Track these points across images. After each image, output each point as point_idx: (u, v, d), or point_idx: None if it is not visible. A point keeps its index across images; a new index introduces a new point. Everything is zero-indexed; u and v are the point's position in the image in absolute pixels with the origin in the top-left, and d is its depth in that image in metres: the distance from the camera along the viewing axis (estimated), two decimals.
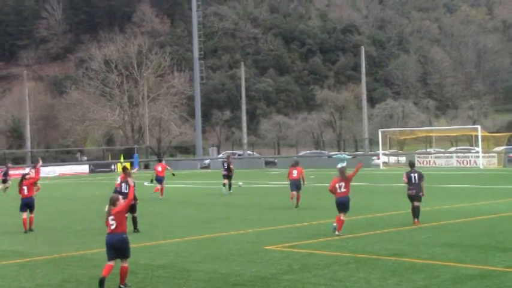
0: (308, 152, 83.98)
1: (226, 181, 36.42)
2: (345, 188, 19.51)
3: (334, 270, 13.89)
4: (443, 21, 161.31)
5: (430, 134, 79.77)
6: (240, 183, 40.27)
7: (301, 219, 23.32)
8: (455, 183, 39.38)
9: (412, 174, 21.09)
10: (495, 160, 61.24)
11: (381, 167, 64.08)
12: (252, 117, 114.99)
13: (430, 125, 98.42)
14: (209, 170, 73.24)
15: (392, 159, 71.53)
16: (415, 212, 21.07)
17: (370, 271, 13.71)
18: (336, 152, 60.27)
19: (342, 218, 19.38)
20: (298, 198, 27.81)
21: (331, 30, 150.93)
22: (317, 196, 32.60)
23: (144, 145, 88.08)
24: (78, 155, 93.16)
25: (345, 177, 19.65)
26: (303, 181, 28.18)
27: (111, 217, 12.85)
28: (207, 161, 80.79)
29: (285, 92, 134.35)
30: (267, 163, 76.45)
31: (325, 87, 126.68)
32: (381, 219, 22.88)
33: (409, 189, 21.10)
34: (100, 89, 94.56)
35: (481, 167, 58.18)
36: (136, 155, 79.44)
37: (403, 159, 69.95)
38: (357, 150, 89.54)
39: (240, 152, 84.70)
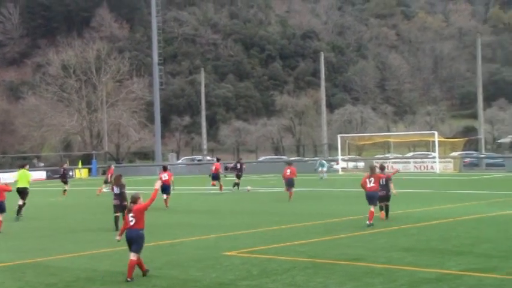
0: (268, 157, 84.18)
1: (237, 180, 41.28)
2: (374, 183, 22.32)
3: (292, 275, 13.97)
4: (401, 27, 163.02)
5: (388, 140, 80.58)
6: (248, 188, 40.93)
7: (260, 224, 23.37)
8: (413, 188, 39.80)
9: (383, 179, 23.43)
10: (451, 165, 62.06)
11: (340, 172, 64.47)
12: (212, 122, 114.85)
13: (388, 131, 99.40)
14: None
15: (351, 164, 72.03)
16: (384, 208, 23.54)
17: (328, 276, 13.82)
18: (317, 158, 61.61)
19: (371, 209, 21.83)
20: (290, 195, 32.53)
21: (291, 36, 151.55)
22: (276, 202, 32.72)
23: (102, 151, 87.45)
24: (35, 161, 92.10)
25: (374, 174, 22.57)
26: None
27: (131, 214, 13.97)
28: None
29: (244, 97, 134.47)
30: (226, 169, 76.36)
31: (285, 92, 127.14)
32: (340, 224, 23.04)
33: (380, 191, 22.91)
34: (58, 94, 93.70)
35: (438, 171, 58.88)
36: (94, 161, 78.81)
37: (361, 164, 70.48)
38: (316, 156, 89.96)
39: (200, 158, 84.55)
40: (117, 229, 21.12)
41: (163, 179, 31.20)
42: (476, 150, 73.59)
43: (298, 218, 24.91)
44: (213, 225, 23.90)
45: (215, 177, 40.63)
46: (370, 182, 22.35)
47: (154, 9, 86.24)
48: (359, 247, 17.60)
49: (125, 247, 14.53)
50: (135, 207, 14.05)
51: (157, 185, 14.84)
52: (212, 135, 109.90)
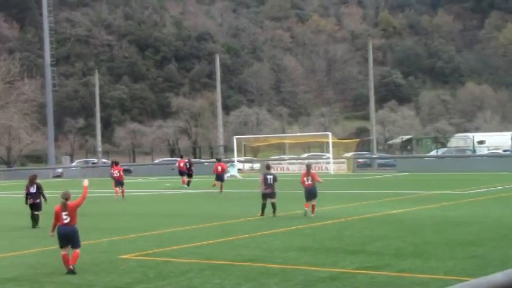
0: (164, 159, 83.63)
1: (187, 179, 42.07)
2: (311, 181, 24.75)
3: (189, 278, 13.93)
4: (295, 30, 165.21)
5: (284, 141, 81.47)
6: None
7: (156, 227, 23.20)
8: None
9: (268, 176, 25.14)
10: (345, 166, 63.32)
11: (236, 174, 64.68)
12: (107, 125, 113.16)
13: (284, 132, 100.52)
14: (62, 179, 71.39)
15: (247, 166, 72.45)
16: (272, 206, 24.93)
17: (225, 277, 13.84)
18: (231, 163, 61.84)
19: (313, 203, 24.53)
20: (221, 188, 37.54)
21: (186, 38, 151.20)
22: (172, 204, 32.56)
23: None
24: None
25: (310, 172, 25.02)
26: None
27: (66, 212, 14.85)
28: (60, 170, 78.73)
29: (140, 99, 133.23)
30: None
31: (181, 94, 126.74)
32: (236, 225, 23.14)
33: (265, 189, 24.87)
34: None
35: (332, 172, 59.92)
36: None
37: (257, 165, 70.98)
38: (212, 157, 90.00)
39: (95, 160, 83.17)
40: (34, 226, 24.01)
41: (115, 175, 36.17)
42: (368, 150, 75.30)
43: (195, 220, 24.87)
44: (108, 228, 23.55)
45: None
46: (307, 179, 24.84)
47: (45, 9, 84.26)
48: (255, 248, 17.71)
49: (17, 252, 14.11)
50: (71, 204, 14.95)
51: (86, 183, 15.46)
52: (107, 138, 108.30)
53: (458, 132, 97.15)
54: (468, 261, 14.71)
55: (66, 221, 14.89)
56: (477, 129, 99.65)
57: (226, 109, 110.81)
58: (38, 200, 24.54)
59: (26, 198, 24.88)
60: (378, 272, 13.85)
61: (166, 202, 33.38)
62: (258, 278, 13.66)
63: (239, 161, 68.36)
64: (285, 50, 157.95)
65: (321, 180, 25.98)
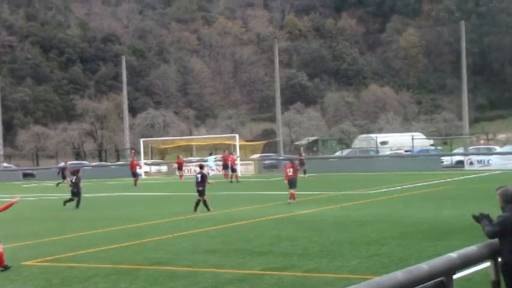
0: (68, 162, 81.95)
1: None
2: (293, 172, 29.77)
3: (95, 283, 13.74)
4: (201, 32, 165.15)
5: (191, 143, 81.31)
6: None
7: (61, 231, 22.76)
8: (212, 190, 40.41)
9: (197, 175, 28.22)
10: (252, 167, 63.69)
11: (143, 176, 64.17)
12: (9, 128, 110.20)
13: (191, 134, 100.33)
14: None
15: (154, 168, 71.95)
16: (203, 203, 27.36)
17: (131, 281, 13.73)
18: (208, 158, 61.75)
19: (292, 191, 29.29)
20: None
21: (92, 39, 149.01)
22: (79, 208, 31.99)
23: None
24: None
25: (293, 164, 30.76)
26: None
27: None
28: None
29: (43, 101, 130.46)
30: (25, 175, 73.65)
31: (86, 96, 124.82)
32: (143, 228, 22.96)
33: (198, 186, 27.59)
34: None
35: (239, 174, 60.14)
36: None
37: (164, 168, 70.61)
38: (118, 160, 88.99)
39: None
40: None
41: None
42: (275, 152, 75.95)
43: (102, 223, 24.54)
44: (10, 234, 22.93)
45: (232, 169, 50.18)
46: (290, 171, 29.78)
47: None
48: (162, 251, 17.62)
49: None
50: None
51: (16, 199, 16.04)
52: (9, 141, 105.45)
53: (362, 133, 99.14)
54: (371, 260, 15.04)
55: None
56: (380, 130, 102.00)
57: (133, 111, 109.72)
58: None
59: None
60: (284, 273, 14.01)
61: (72, 206, 32.75)
62: (165, 282, 13.60)
63: (146, 164, 67.85)
64: (191, 52, 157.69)
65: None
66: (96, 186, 48.78)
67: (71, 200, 32.27)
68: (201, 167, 30.19)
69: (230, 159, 50.94)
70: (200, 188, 27.56)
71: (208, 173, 54.56)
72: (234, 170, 50.66)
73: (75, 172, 33.91)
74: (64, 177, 47.93)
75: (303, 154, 54.37)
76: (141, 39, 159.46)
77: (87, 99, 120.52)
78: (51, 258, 17.22)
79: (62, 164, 53.07)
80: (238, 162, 55.29)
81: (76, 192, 32.32)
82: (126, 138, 78.89)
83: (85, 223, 25.10)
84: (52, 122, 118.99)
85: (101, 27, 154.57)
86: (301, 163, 50.29)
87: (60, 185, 47.48)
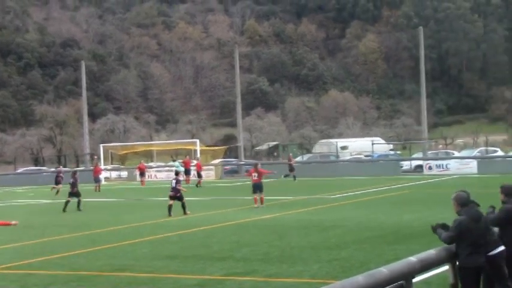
0: (27, 168, 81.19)
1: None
2: (257, 177, 29.90)
3: None
4: (162, 37, 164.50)
5: (151, 149, 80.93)
6: None
7: (19, 238, 22.45)
8: None
9: (173, 180, 28.91)
10: (213, 173, 63.57)
11: (103, 181, 63.65)
12: None
13: (151, 140, 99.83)
14: None
15: (114, 174, 71.45)
16: (171, 208, 27.64)
17: None
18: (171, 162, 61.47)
19: (261, 196, 29.65)
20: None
21: (51, 44, 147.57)
22: (37, 214, 31.68)
23: None
24: None
25: (257, 169, 30.43)
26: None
27: None
28: None
29: (1, 107, 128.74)
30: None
31: (45, 102, 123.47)
32: (104, 234, 22.79)
33: (171, 191, 28.24)
34: None
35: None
36: None
37: (125, 174, 70.16)
38: (78, 166, 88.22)
39: None
40: None
41: None
42: (236, 157, 75.95)
43: (61, 230, 24.30)
44: None
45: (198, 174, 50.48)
46: (254, 176, 29.95)
47: None
48: (123, 257, 17.52)
49: None
50: None
51: (14, 223, 15.40)
52: None
53: (322, 138, 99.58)
54: (332, 264, 15.13)
55: None
56: (340, 135, 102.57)
57: (93, 117, 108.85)
58: None
59: None
60: (245, 278, 14.02)
61: (31, 212, 32.42)
62: None
63: (106, 169, 67.39)
64: (152, 57, 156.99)
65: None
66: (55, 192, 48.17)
67: (67, 202, 32.76)
68: (177, 173, 30.64)
69: (196, 164, 51.39)
70: (173, 193, 28.23)
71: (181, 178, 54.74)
72: (199, 176, 50.79)
73: (73, 174, 34.72)
74: (58, 183, 46.81)
75: (293, 160, 54.67)
76: (101, 44, 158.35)
77: (46, 105, 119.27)
78: (8, 265, 17.01)
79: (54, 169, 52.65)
80: (192, 167, 55.13)
81: (75, 193, 33.11)
82: (86, 144, 78.27)
83: (43, 230, 24.81)
84: (10, 128, 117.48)
85: (60, 32, 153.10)
86: (291, 168, 51.35)
87: (54, 190, 46.25)
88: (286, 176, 51.70)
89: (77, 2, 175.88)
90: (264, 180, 31.18)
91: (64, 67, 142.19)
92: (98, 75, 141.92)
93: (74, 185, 33.18)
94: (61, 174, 48.13)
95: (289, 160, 53.70)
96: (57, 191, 44.13)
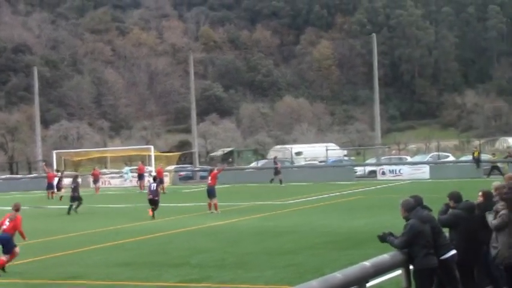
0: None
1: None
2: (211, 180, 30.01)
3: None
4: (116, 43, 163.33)
5: (105, 155, 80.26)
6: None
7: None
8: (129, 202, 40.07)
9: (152, 184, 30.06)
10: (167, 179, 63.26)
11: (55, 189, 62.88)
12: None
13: (105, 146, 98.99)
14: None
15: (67, 180, 70.52)
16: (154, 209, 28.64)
17: None
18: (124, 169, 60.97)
19: (213, 202, 29.65)
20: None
21: (2, 50, 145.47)
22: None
23: None
24: None
25: (211, 172, 31.21)
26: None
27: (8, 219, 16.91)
28: None
29: None
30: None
31: None
32: (55, 242, 22.54)
33: (149, 195, 29.19)
34: None
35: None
36: None
37: (79, 180, 69.20)
38: (30, 173, 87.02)
39: None
40: None
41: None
42: (191, 163, 75.76)
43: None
44: None
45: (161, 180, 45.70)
46: (208, 179, 30.37)
47: None
48: (76, 265, 17.35)
49: None
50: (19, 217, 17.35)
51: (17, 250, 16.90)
52: None
53: (277, 144, 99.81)
54: (287, 270, 15.20)
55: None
56: (295, 141, 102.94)
57: (45, 123, 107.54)
58: None
59: None
60: (200, 284, 14.02)
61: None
62: None
63: (59, 177, 66.53)
64: (105, 63, 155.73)
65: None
66: (7, 199, 47.45)
67: (71, 206, 33.87)
68: (155, 178, 31.77)
69: (157, 171, 50.71)
70: (154, 197, 29.09)
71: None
72: (161, 182, 50.01)
73: (74, 179, 36.54)
74: (59, 189, 47.03)
75: (279, 164, 54.58)
76: (54, 49, 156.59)
77: None
78: None
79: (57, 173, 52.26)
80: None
81: (77, 197, 34.33)
82: (39, 151, 77.35)
83: None
84: None
85: (11, 37, 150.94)
86: (277, 172, 51.54)
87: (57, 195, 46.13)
88: (271, 180, 51.63)
89: (29, 7, 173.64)
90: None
91: (16, 73, 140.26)
92: (51, 81, 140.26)
93: (75, 189, 34.41)
94: (61, 180, 48.77)
95: (275, 163, 53.77)
96: (61, 197, 44.51)
